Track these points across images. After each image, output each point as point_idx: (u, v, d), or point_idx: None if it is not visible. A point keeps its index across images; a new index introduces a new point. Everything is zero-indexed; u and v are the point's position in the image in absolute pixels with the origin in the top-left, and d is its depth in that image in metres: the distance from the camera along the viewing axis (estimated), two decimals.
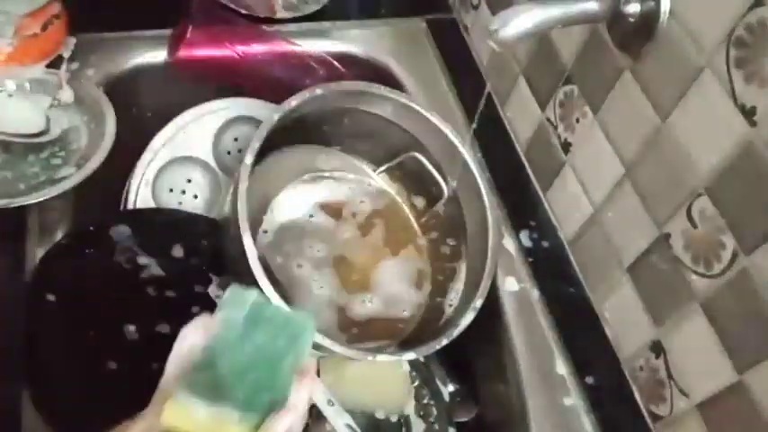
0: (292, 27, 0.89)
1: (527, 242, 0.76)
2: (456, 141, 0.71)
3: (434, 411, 0.74)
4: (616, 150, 0.64)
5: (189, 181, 0.79)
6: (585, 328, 0.69)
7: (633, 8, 0.57)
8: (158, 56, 0.84)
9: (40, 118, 0.75)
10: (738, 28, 0.49)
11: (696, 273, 0.56)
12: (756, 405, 0.51)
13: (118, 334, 0.65)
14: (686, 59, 0.54)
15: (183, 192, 0.79)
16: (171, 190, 0.78)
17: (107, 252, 0.68)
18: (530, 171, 0.79)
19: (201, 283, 0.68)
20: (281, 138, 0.66)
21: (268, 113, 0.63)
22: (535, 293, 0.73)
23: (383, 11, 0.97)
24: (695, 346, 0.57)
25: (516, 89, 0.81)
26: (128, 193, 0.76)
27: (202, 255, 0.70)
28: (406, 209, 0.78)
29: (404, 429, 0.72)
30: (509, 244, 0.76)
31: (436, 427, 0.74)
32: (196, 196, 0.80)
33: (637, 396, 0.64)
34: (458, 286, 0.72)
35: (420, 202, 0.78)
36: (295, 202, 0.74)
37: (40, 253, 0.68)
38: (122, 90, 0.81)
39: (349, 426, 0.63)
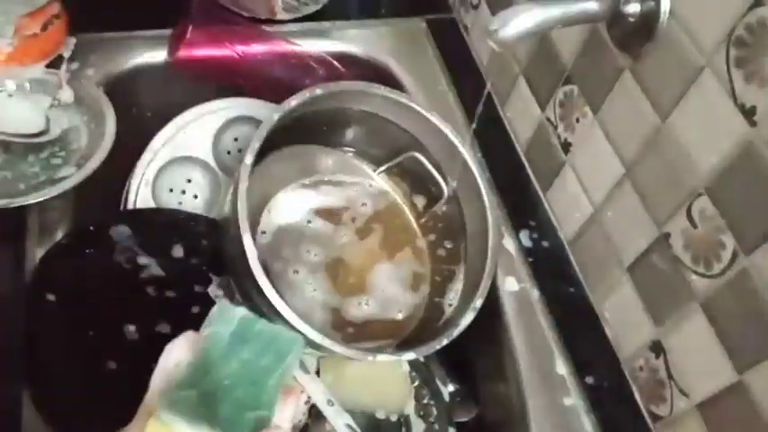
0: (292, 27, 0.89)
1: (527, 242, 0.76)
2: (456, 141, 0.71)
3: (434, 411, 0.74)
4: (616, 150, 0.64)
5: (189, 181, 0.79)
6: (585, 328, 0.69)
7: (633, 8, 0.57)
8: (158, 56, 0.84)
9: (40, 118, 0.75)
10: (738, 28, 0.49)
11: (696, 273, 0.56)
12: (756, 405, 0.51)
13: (118, 334, 0.65)
14: (686, 59, 0.54)
15: (183, 192, 0.79)
16: (171, 190, 0.78)
17: (107, 252, 0.68)
18: (530, 171, 0.80)
19: (201, 283, 0.68)
20: (281, 138, 0.66)
21: (268, 113, 0.63)
22: (535, 293, 0.73)
23: (383, 11, 0.97)
24: (695, 346, 0.57)
25: (516, 89, 0.81)
26: (128, 193, 0.76)
27: (202, 255, 0.70)
28: (406, 209, 0.78)
29: (404, 429, 0.72)
30: (509, 244, 0.76)
31: (436, 427, 0.74)
32: (196, 196, 0.80)
33: (637, 396, 0.64)
34: (457, 286, 0.72)
35: (420, 202, 0.78)
36: (294, 207, 0.74)
37: (40, 253, 0.68)
38: (122, 90, 0.81)
39: (349, 426, 0.63)
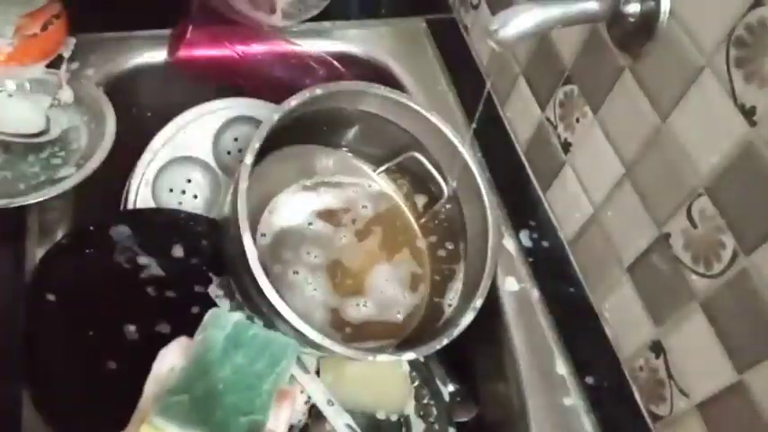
0: (292, 27, 0.89)
1: (527, 242, 0.76)
2: (456, 141, 0.71)
3: (434, 411, 0.74)
4: (616, 150, 0.64)
5: (189, 181, 0.79)
6: (585, 328, 0.69)
7: (633, 8, 0.57)
8: (158, 56, 0.84)
9: (40, 118, 0.75)
10: (738, 28, 0.49)
11: (696, 273, 0.56)
12: (756, 405, 0.51)
13: (118, 334, 0.65)
14: (686, 59, 0.54)
15: (183, 192, 0.79)
16: (171, 190, 0.78)
17: (107, 252, 0.68)
18: (530, 171, 0.80)
19: (201, 283, 0.68)
20: (281, 138, 0.66)
21: (268, 113, 0.63)
22: (535, 293, 0.73)
23: (383, 11, 0.97)
24: (695, 346, 0.57)
25: (516, 89, 0.81)
26: (128, 193, 0.75)
27: (202, 255, 0.70)
28: (406, 210, 0.78)
29: (404, 429, 0.72)
30: (509, 244, 0.76)
31: (436, 427, 0.74)
32: (196, 196, 0.80)
33: (637, 396, 0.65)
34: (457, 286, 0.72)
35: (420, 202, 0.78)
36: (294, 210, 0.74)
37: (40, 253, 0.68)
38: (122, 90, 0.81)
39: (349, 426, 0.63)
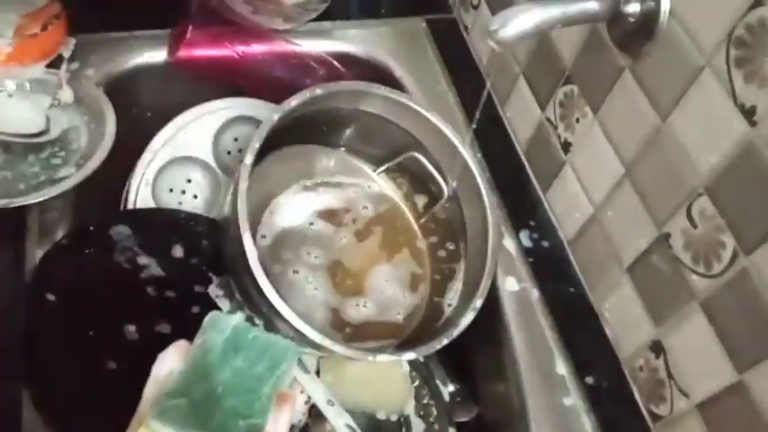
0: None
1: (527, 242, 0.76)
2: (456, 141, 0.71)
3: (434, 411, 0.74)
4: (616, 150, 0.64)
5: (189, 181, 0.79)
6: (585, 328, 0.69)
7: (633, 8, 0.57)
8: (158, 56, 0.84)
9: (40, 118, 0.75)
10: (738, 28, 0.49)
11: (696, 273, 0.56)
12: (756, 405, 0.51)
13: (118, 334, 0.65)
14: (686, 59, 0.54)
15: (183, 192, 0.79)
16: (171, 190, 0.78)
17: (107, 252, 0.68)
18: (530, 171, 0.80)
19: (201, 283, 0.68)
20: (281, 138, 0.66)
21: (268, 113, 0.63)
22: (535, 293, 0.73)
23: (383, 11, 0.97)
24: (695, 346, 0.57)
25: (516, 89, 0.81)
26: (128, 193, 0.76)
27: (202, 255, 0.70)
28: (407, 210, 0.78)
29: (404, 429, 0.72)
30: (509, 244, 0.76)
31: (436, 427, 0.74)
32: (196, 196, 0.80)
33: (637, 396, 0.65)
34: (457, 286, 0.72)
35: (420, 202, 0.78)
36: (295, 210, 0.74)
37: (39, 253, 0.68)
38: (122, 90, 0.81)
39: (349, 426, 0.63)
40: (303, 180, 0.76)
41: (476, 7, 0.89)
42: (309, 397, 0.66)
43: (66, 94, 0.76)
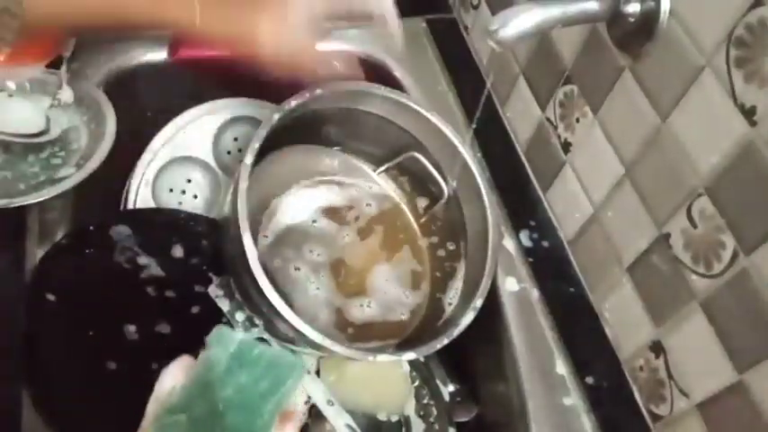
0: None
1: (527, 242, 0.76)
2: (456, 141, 0.71)
3: (434, 411, 0.74)
4: (616, 150, 0.64)
5: (189, 181, 0.79)
6: (585, 328, 0.69)
7: (633, 8, 0.57)
8: (158, 56, 0.84)
9: (40, 118, 0.75)
10: (738, 28, 0.49)
11: (696, 273, 0.56)
12: (756, 405, 0.51)
13: (118, 334, 0.65)
14: (686, 59, 0.54)
15: (183, 192, 0.79)
16: (171, 190, 0.78)
17: (107, 252, 0.68)
18: (530, 171, 0.80)
19: (201, 283, 0.68)
20: (281, 138, 0.66)
21: (268, 113, 0.63)
22: (535, 293, 0.73)
23: None
24: (695, 346, 0.57)
25: (516, 89, 0.81)
26: (128, 193, 0.76)
27: (202, 255, 0.70)
28: (407, 210, 0.78)
29: (404, 429, 0.72)
30: (509, 244, 0.76)
31: (436, 427, 0.74)
32: (196, 196, 0.80)
33: (637, 396, 0.65)
34: (457, 285, 0.72)
35: (420, 202, 0.78)
36: (298, 207, 0.74)
37: (40, 253, 0.68)
38: (122, 90, 0.81)
39: (349, 426, 0.63)
40: (303, 180, 0.76)
41: (476, 7, 0.89)
42: (309, 397, 0.66)
43: (66, 94, 0.76)
